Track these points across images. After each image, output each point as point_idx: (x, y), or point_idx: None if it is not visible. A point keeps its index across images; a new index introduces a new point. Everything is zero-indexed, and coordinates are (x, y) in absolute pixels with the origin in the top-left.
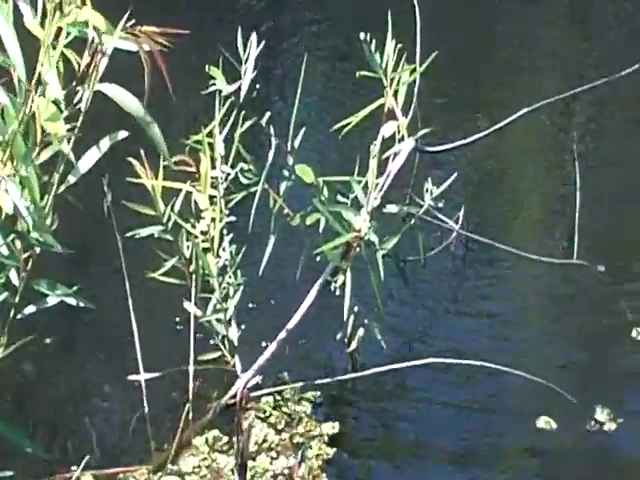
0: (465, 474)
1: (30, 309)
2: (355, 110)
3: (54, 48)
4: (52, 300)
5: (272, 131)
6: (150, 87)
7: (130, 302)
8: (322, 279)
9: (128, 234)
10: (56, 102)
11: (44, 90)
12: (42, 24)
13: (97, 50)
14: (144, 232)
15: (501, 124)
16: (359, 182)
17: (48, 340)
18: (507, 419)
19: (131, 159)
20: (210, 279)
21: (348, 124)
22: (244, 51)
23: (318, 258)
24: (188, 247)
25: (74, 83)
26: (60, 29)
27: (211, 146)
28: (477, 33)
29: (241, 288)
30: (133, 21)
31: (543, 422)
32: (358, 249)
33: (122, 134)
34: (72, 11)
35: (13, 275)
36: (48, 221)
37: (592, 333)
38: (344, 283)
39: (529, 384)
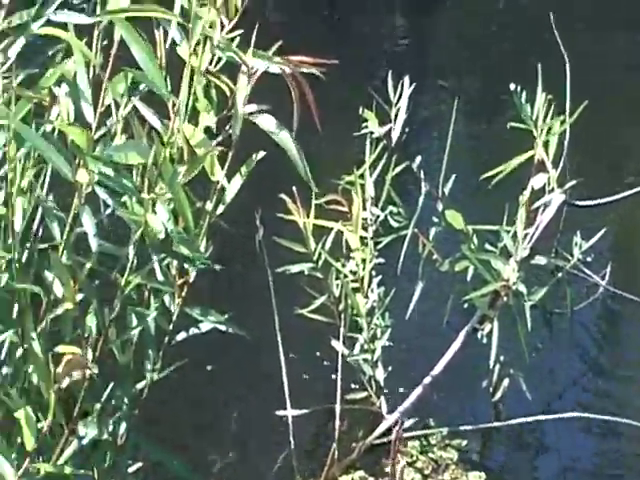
0: None
1: (183, 335)
2: (503, 158)
3: (204, 74)
4: (205, 326)
5: (422, 175)
6: (298, 116)
7: (279, 337)
8: (469, 326)
9: (279, 269)
10: (208, 128)
11: (196, 116)
12: (194, 51)
13: (247, 74)
14: (295, 269)
15: None
16: (508, 232)
17: (199, 368)
18: None
19: (283, 196)
20: (358, 319)
21: (498, 172)
22: (394, 93)
23: (465, 305)
24: (337, 286)
25: (225, 111)
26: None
27: (362, 187)
28: (624, 80)
29: (389, 330)
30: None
31: None
32: (506, 298)
33: (260, 154)
34: (222, 39)
35: (167, 301)
36: (202, 246)
37: None
38: (491, 331)
39: None
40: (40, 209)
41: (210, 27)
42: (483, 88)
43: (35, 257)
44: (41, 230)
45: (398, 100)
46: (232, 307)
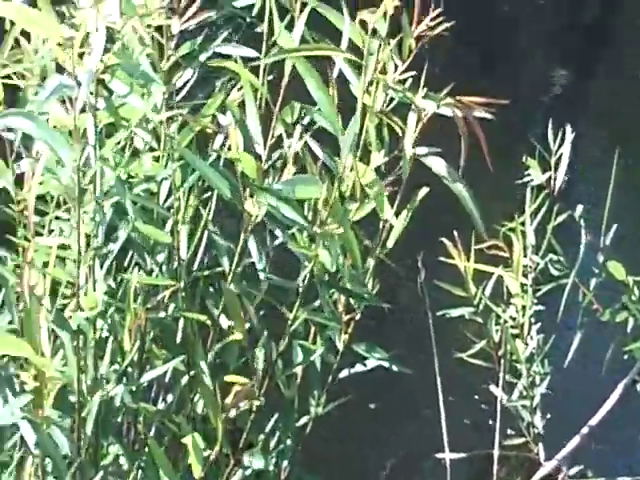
0: None
1: (348, 371)
2: None
3: (377, 114)
4: (371, 363)
5: (583, 224)
6: (465, 157)
7: (438, 379)
8: (629, 378)
9: (439, 312)
10: (377, 168)
11: (367, 155)
12: (367, 90)
13: (417, 115)
14: (455, 312)
15: None
16: None
17: (360, 405)
18: None
19: (444, 239)
20: (518, 365)
21: None
22: (554, 141)
23: (625, 356)
24: (497, 331)
25: (396, 151)
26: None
27: (523, 234)
28: None
29: (548, 377)
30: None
31: None
32: None
33: (424, 190)
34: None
35: (333, 336)
36: (369, 284)
37: None
38: None
39: None
40: (205, 238)
41: (383, 68)
42: None
43: (201, 286)
44: (206, 259)
45: (559, 148)
46: (393, 346)
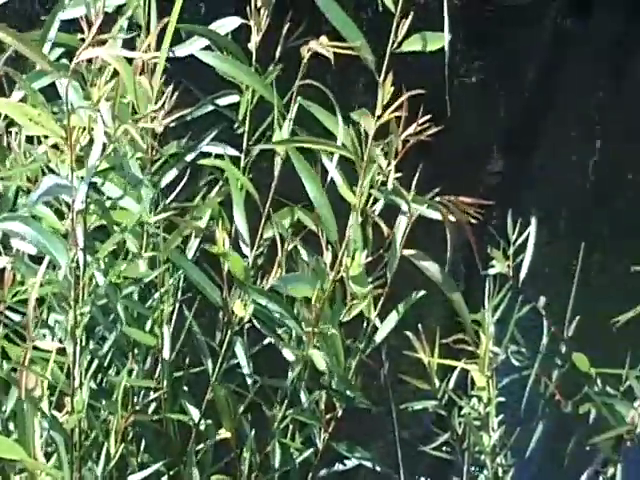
0: None
1: (326, 471)
2: (631, 301)
3: (362, 214)
4: (350, 463)
5: (547, 317)
6: (452, 257)
7: (401, 473)
8: (591, 469)
9: (402, 406)
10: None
11: (352, 253)
12: (351, 189)
13: (406, 216)
14: (418, 405)
15: None
16: (637, 377)
17: None
18: None
19: (409, 333)
20: (482, 456)
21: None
22: (512, 232)
23: (588, 447)
24: (460, 423)
25: (381, 250)
26: (369, 195)
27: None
28: None
29: (512, 469)
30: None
31: None
32: (629, 443)
33: (420, 293)
34: (378, 178)
35: (315, 434)
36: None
37: None
38: (614, 476)
39: None
40: (189, 339)
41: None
42: (609, 230)
43: (183, 388)
44: (187, 360)
45: (516, 239)
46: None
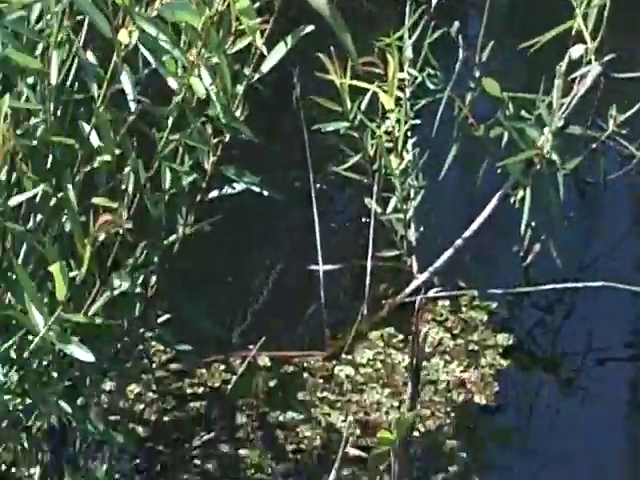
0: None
1: (216, 193)
2: (544, 28)
3: None
4: (239, 186)
5: (460, 41)
6: None
7: (313, 193)
8: (502, 191)
9: (314, 127)
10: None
11: None
12: None
13: None
14: (330, 127)
15: None
16: (543, 101)
17: (234, 227)
18: None
19: (321, 55)
20: (392, 179)
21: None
22: None
23: (499, 171)
24: (372, 146)
25: None
26: None
27: (400, 50)
28: None
29: (422, 191)
30: None
31: None
32: (539, 166)
33: (309, 28)
34: None
35: (204, 159)
36: (239, 109)
37: None
38: (524, 198)
39: None
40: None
41: None
42: None
43: (71, 110)
44: (77, 85)
45: None
46: (268, 165)
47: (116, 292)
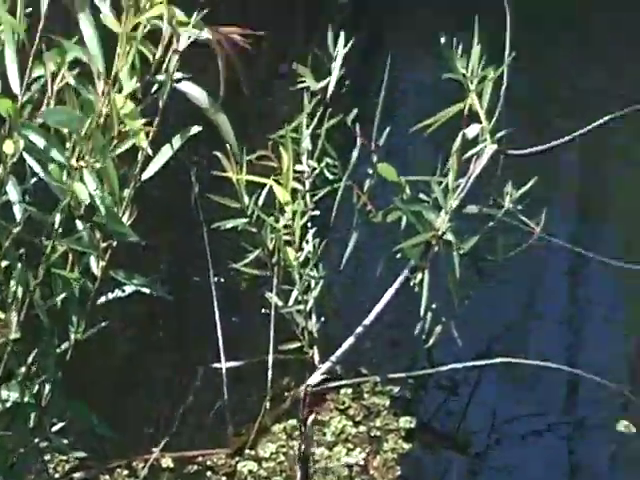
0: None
1: (107, 297)
2: (439, 110)
3: (130, 42)
4: (129, 289)
5: (358, 129)
6: (224, 81)
7: (213, 291)
8: (402, 276)
9: (213, 225)
10: (133, 94)
11: (121, 85)
12: (119, 19)
13: (172, 41)
14: (229, 224)
15: (589, 127)
16: (439, 183)
17: (131, 330)
18: (585, 423)
19: (218, 153)
20: (292, 271)
21: (432, 123)
22: (334, 48)
23: (399, 255)
24: (271, 240)
25: (148, 77)
26: (137, 24)
27: (297, 142)
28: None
29: (322, 281)
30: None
31: (623, 427)
32: (437, 248)
33: (195, 129)
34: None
35: (93, 264)
36: (127, 213)
37: None
38: (422, 281)
39: (607, 389)
40: None
41: None
42: (417, 41)
43: None
44: None
45: (336, 55)
46: (167, 266)
47: (8, 404)
